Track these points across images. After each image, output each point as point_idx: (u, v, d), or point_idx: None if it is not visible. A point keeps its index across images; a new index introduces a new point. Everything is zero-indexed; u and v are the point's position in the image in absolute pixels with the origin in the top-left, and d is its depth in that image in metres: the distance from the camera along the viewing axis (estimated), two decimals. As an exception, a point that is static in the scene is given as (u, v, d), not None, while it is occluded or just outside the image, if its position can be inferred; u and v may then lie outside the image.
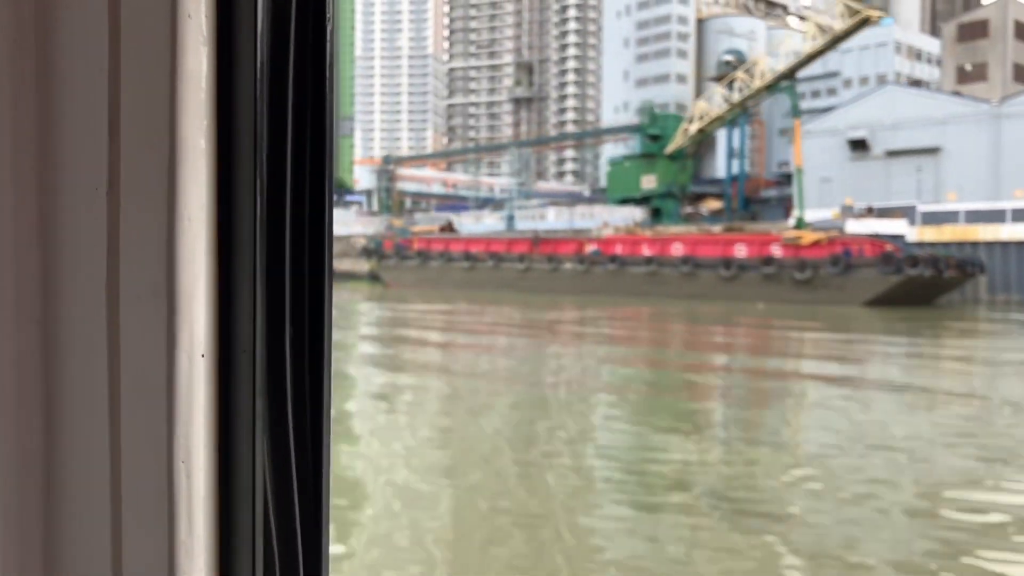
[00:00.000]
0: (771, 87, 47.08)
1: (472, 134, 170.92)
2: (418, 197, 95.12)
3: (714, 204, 61.61)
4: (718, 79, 60.44)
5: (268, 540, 0.81)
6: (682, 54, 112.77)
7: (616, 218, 59.86)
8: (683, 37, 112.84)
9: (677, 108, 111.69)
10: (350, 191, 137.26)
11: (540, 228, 63.65)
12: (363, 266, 76.02)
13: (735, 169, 59.86)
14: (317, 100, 0.80)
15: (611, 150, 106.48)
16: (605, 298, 42.84)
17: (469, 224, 73.74)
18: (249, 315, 0.78)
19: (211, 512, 0.78)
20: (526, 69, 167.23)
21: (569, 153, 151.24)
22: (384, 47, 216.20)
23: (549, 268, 47.74)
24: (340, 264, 78.34)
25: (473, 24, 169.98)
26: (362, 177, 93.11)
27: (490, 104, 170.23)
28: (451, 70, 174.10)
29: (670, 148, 52.92)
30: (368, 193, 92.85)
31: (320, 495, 0.84)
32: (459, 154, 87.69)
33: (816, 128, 54.42)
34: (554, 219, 69.90)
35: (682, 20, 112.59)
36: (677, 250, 42.98)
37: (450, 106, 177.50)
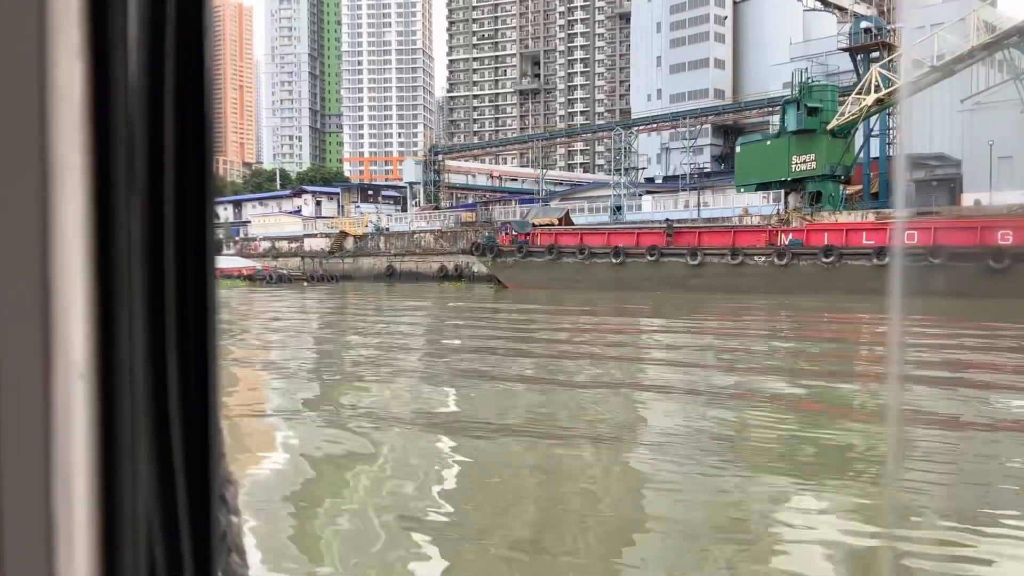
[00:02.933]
0: (990, 46, 39.21)
1: (476, 127, 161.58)
2: (464, 190, 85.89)
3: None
4: (857, 49, 52.54)
5: (153, 572, 0.76)
6: (720, 38, 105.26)
7: (753, 205, 51.68)
8: (721, 20, 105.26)
9: (716, 94, 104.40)
10: (347, 184, 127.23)
11: (646, 219, 55.35)
12: (432, 265, 66.92)
13: (870, 147, 52.19)
14: (197, 113, 0.77)
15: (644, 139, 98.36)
16: (820, 297, 34.65)
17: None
18: (129, 334, 0.74)
19: (93, 544, 0.72)
20: (531, 60, 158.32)
21: (579, 146, 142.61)
22: (371, 41, 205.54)
23: (733, 263, 39.36)
24: (403, 263, 69.11)
25: (475, 15, 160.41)
26: (407, 169, 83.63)
27: (494, 97, 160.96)
28: (452, 62, 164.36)
29: (834, 123, 44.77)
30: (410, 186, 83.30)
31: (209, 519, 0.79)
32: (519, 143, 78.93)
33: (989, 100, 46.93)
34: (651, 208, 61.55)
35: (719, 2, 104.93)
36: (911, 238, 34.96)
37: (451, 99, 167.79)
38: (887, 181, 52.95)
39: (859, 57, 53.56)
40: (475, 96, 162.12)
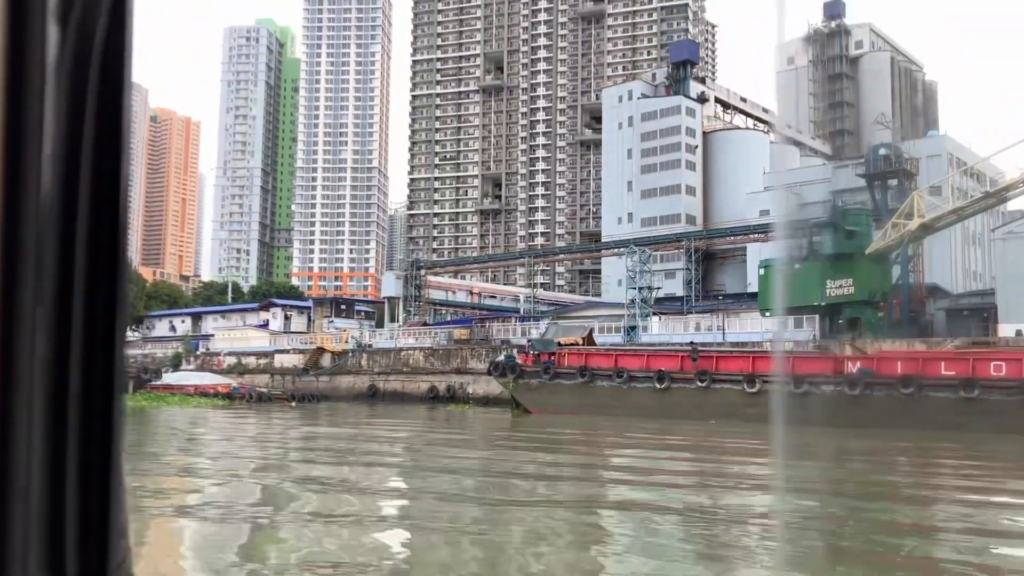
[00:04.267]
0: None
1: (435, 245, 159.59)
2: (441, 306, 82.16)
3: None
4: (875, 176, 51.84)
5: None
6: (691, 166, 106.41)
7: (786, 331, 49.04)
8: (691, 149, 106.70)
9: (688, 220, 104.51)
10: (301, 297, 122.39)
11: (663, 340, 52.29)
12: (421, 385, 62.17)
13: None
14: (111, 232, 0.75)
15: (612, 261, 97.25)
16: (897, 431, 31.46)
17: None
18: (27, 449, 0.70)
19: None
20: (493, 182, 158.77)
21: (539, 266, 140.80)
22: (327, 159, 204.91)
23: (797, 392, 36.10)
24: (387, 383, 64.09)
25: (438, 136, 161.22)
26: (386, 284, 79.83)
27: (455, 215, 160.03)
28: (412, 180, 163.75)
29: (873, 247, 43.02)
30: (388, 300, 79.33)
31: None
32: (512, 258, 75.92)
33: (1021, 230, 46.09)
34: (659, 330, 58.62)
35: (690, 132, 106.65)
36: (999, 369, 32.36)
37: (411, 216, 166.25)
38: (910, 309, 51.28)
39: (876, 183, 52.89)
40: (436, 214, 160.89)
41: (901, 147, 53.46)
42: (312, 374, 69.14)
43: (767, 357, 39.09)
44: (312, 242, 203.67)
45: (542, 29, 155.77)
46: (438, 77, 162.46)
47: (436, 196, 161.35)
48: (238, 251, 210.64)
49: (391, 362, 65.39)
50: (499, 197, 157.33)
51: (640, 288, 55.54)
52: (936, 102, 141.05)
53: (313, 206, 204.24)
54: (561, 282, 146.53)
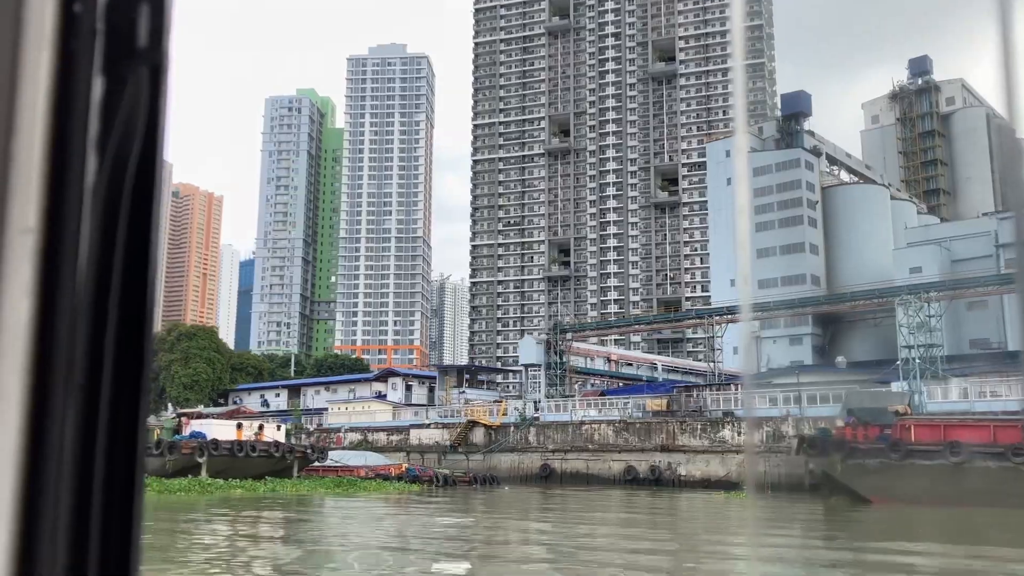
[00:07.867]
0: None
1: (499, 314, 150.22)
2: (584, 375, 72.35)
3: None
4: None
5: None
6: (812, 223, 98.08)
7: None
8: (812, 204, 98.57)
9: (812, 281, 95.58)
10: (365, 369, 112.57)
11: (954, 410, 42.45)
12: (612, 465, 51.90)
13: None
14: (138, 329, 0.79)
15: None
16: None
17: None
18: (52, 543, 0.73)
19: None
20: (559, 248, 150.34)
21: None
22: (370, 229, 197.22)
23: None
24: (565, 462, 53.75)
25: (501, 201, 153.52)
26: (524, 350, 70.10)
27: (519, 283, 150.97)
28: (474, 247, 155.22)
29: None
30: (526, 368, 69.60)
31: None
32: (683, 320, 66.79)
33: None
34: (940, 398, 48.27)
35: (810, 187, 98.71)
36: None
37: (474, 284, 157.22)
38: None
39: None
40: (500, 282, 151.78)
41: None
42: (462, 451, 58.90)
43: None
44: (355, 314, 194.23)
45: (610, 91, 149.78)
46: (500, 141, 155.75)
47: (500, 263, 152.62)
48: (278, 324, 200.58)
49: (569, 438, 55.19)
50: (567, 263, 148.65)
51: (921, 346, 45.87)
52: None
53: (356, 277, 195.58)
54: (637, 351, 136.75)
